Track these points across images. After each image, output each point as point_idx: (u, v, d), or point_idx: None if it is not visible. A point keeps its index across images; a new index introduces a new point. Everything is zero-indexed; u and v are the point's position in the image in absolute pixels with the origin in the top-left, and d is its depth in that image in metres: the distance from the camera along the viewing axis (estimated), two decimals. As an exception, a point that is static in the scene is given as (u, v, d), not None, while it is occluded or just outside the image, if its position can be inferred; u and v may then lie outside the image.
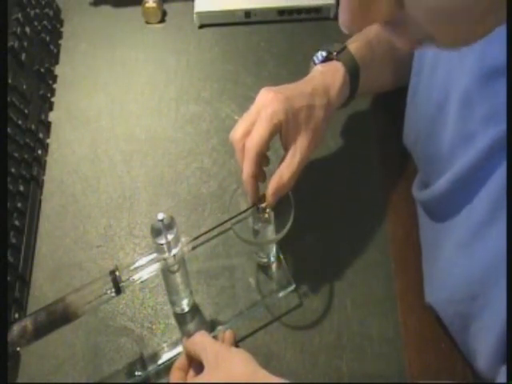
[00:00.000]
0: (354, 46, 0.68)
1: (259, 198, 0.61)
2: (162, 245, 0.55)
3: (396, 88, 0.72)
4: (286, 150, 0.62)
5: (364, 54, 0.67)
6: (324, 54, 0.67)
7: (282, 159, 0.61)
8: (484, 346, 0.53)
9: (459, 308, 0.56)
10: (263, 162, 0.63)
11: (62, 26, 0.94)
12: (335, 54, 0.66)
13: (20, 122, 0.76)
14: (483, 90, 0.50)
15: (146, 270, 0.57)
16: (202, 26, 0.92)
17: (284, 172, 0.60)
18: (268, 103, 0.60)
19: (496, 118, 0.49)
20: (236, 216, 0.61)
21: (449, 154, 0.56)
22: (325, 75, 0.65)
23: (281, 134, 0.61)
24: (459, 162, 0.54)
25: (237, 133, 0.61)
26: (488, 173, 0.50)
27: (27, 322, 0.54)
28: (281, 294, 0.67)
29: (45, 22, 0.89)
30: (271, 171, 0.62)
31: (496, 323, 0.49)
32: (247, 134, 0.60)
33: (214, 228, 0.63)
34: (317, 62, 0.67)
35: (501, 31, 0.44)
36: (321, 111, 0.62)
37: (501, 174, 0.49)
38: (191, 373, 0.60)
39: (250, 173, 0.59)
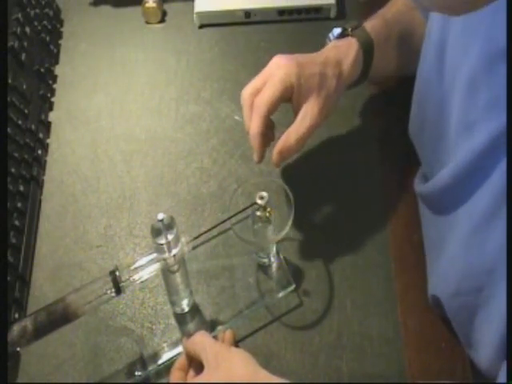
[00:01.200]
0: (369, 23, 0.68)
1: (260, 196, 0.61)
2: (161, 245, 0.55)
3: (412, 74, 0.71)
4: (296, 115, 0.62)
5: (379, 32, 0.67)
6: (339, 30, 0.67)
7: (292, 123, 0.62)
8: (488, 337, 0.53)
9: (465, 300, 0.56)
10: (269, 133, 0.63)
11: (62, 26, 0.94)
12: (350, 30, 0.67)
13: (20, 122, 0.76)
14: (489, 74, 0.50)
15: (146, 270, 0.57)
16: (201, 26, 0.92)
17: (292, 134, 0.61)
18: (281, 66, 0.60)
19: (498, 107, 0.48)
20: (236, 214, 0.61)
21: (453, 142, 0.56)
22: (338, 49, 0.65)
23: (292, 98, 0.61)
24: (461, 153, 0.54)
25: (247, 89, 0.62)
26: (492, 164, 0.50)
27: (27, 322, 0.54)
28: (281, 294, 0.67)
29: (45, 22, 0.89)
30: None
31: (502, 313, 0.49)
32: (258, 92, 0.60)
33: (213, 227, 0.63)
34: (331, 38, 0.68)
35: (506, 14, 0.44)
36: (333, 81, 0.62)
37: (505, 166, 0.48)
38: (191, 373, 0.60)
39: (259, 129, 0.59)
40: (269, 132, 0.64)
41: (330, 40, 0.68)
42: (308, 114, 0.61)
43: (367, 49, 0.66)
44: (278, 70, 0.60)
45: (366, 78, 0.69)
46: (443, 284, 0.61)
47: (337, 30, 0.68)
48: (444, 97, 0.58)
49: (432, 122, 0.62)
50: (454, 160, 0.55)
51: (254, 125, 0.59)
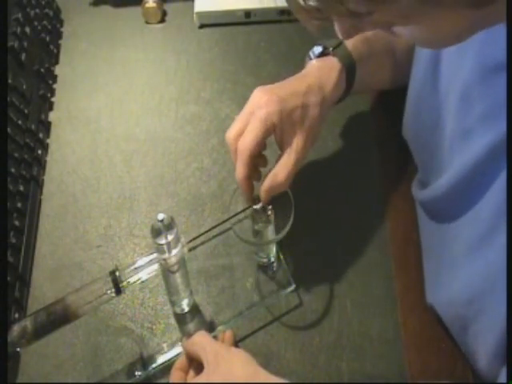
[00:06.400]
0: (351, 42, 0.67)
1: (255, 199, 0.61)
2: (161, 245, 0.55)
3: (394, 88, 0.72)
4: (282, 150, 0.61)
5: (361, 50, 0.67)
6: (320, 48, 0.67)
7: (278, 158, 0.61)
8: (483, 348, 0.53)
9: (458, 310, 0.56)
10: (259, 162, 0.63)
11: (61, 26, 0.94)
12: (331, 49, 0.66)
13: (20, 122, 0.76)
14: (483, 86, 0.50)
15: (145, 270, 0.57)
16: (202, 26, 0.92)
17: (279, 171, 0.60)
18: (262, 105, 0.60)
19: (495, 116, 0.49)
20: (234, 216, 0.61)
21: (448, 149, 0.56)
22: (321, 72, 0.64)
23: (275, 135, 0.61)
24: (459, 160, 0.54)
25: (230, 133, 0.61)
26: (492, 175, 0.50)
27: (27, 322, 0.54)
28: (281, 294, 0.67)
29: (45, 22, 0.89)
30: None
31: (493, 327, 0.49)
32: (241, 134, 0.60)
33: (213, 227, 0.63)
34: (312, 56, 0.67)
35: (501, 28, 0.44)
36: (315, 109, 0.62)
37: (505, 176, 0.48)
38: (191, 373, 0.60)
39: (243, 174, 0.59)
40: (260, 163, 0.63)
41: (311, 58, 0.67)
42: (293, 149, 0.60)
43: (349, 68, 0.65)
44: (259, 109, 0.59)
45: (348, 94, 0.68)
46: (439, 292, 0.60)
47: (317, 49, 0.66)
48: (439, 105, 0.58)
49: (427, 129, 0.62)
50: (451, 168, 0.55)
51: (239, 171, 0.59)
